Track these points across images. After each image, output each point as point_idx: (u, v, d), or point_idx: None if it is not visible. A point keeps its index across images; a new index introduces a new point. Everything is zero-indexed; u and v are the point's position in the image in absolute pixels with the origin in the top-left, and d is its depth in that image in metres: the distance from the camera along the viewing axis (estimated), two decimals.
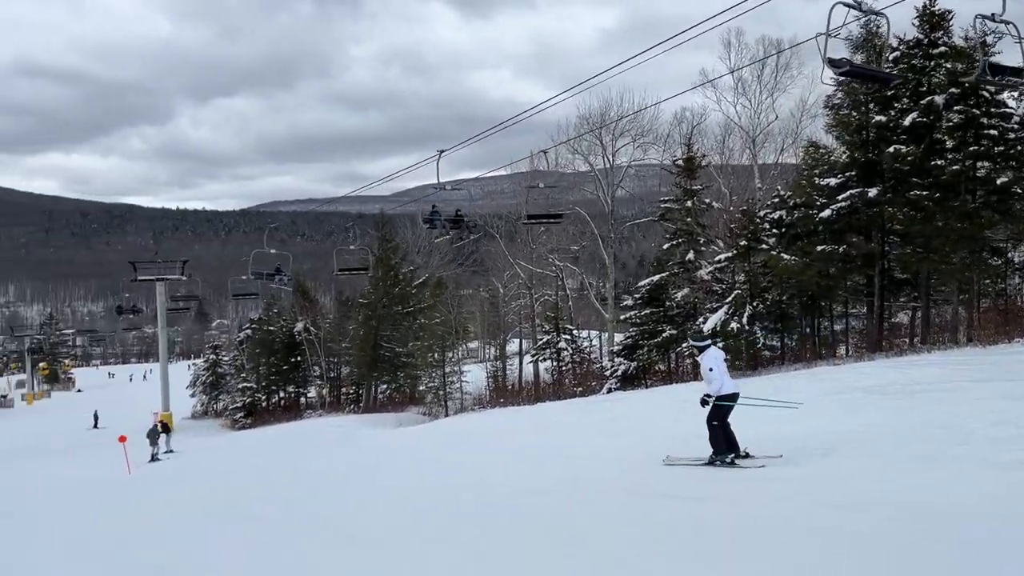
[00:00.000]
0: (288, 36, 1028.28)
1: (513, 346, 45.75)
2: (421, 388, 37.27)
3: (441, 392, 33.63)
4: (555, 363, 32.14)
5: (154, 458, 25.94)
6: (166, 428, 29.78)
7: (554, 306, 35.51)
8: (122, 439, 18.71)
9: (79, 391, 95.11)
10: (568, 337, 32.27)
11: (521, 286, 37.57)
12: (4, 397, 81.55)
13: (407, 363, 37.21)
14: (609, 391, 25.80)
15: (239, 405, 42.88)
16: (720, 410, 9.42)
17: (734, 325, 22.13)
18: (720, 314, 22.47)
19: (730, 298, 22.80)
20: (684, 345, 19.17)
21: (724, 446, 9.37)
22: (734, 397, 9.48)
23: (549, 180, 35.06)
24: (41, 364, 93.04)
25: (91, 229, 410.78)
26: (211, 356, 51.89)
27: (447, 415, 31.45)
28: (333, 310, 49.15)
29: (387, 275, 36.37)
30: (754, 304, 22.77)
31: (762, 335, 23.06)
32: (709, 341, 10.26)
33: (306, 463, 16.92)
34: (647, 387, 25.09)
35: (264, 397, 44.54)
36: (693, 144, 29.00)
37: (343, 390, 42.81)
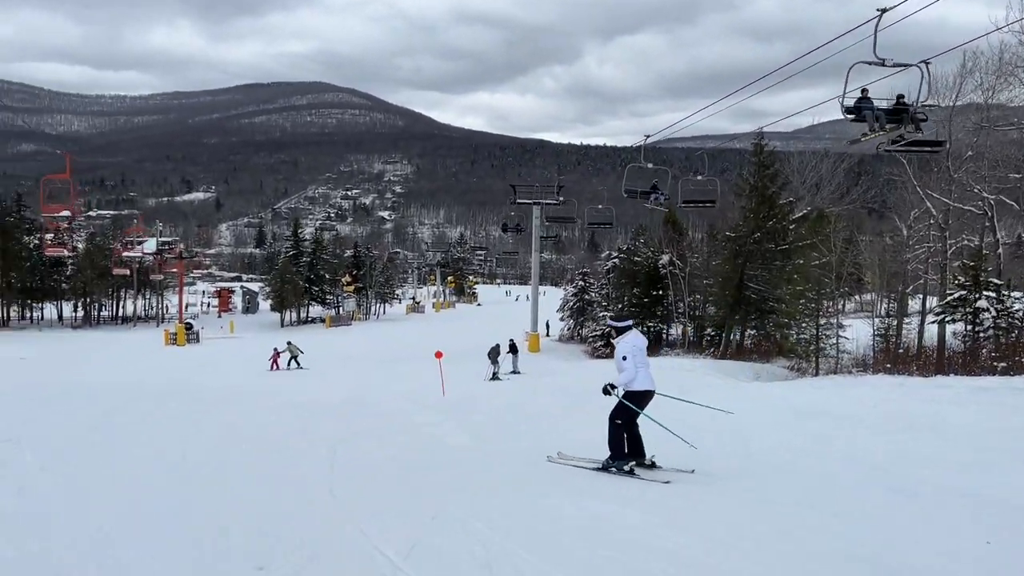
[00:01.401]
0: None
1: (915, 303, 37.89)
2: (791, 339, 32.38)
3: (812, 347, 28.49)
4: (969, 327, 24.87)
5: (495, 377, 25.68)
6: (514, 348, 29.57)
7: (976, 254, 27.56)
8: (438, 355, 17.83)
9: (479, 305, 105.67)
10: (992, 295, 24.68)
11: (932, 227, 29.95)
12: (418, 303, 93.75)
13: (775, 308, 32.47)
14: None
15: (599, 333, 42.23)
16: (627, 408, 8.12)
17: None
18: None
19: None
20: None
21: (624, 451, 8.11)
22: (648, 395, 8.19)
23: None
24: (449, 277, 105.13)
25: (507, 161, 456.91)
26: (579, 282, 52.15)
27: (816, 374, 26.42)
28: (703, 244, 45.69)
29: (760, 206, 31.67)
30: None
31: None
32: (630, 323, 8.64)
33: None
34: None
35: None
36: None
37: (706, 331, 39.54)
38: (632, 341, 8.25)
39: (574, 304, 51.50)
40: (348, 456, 9.48)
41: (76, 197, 35.36)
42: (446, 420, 12.60)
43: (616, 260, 48.43)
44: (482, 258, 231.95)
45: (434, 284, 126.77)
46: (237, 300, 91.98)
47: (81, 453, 9.58)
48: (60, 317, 74.46)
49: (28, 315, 73.20)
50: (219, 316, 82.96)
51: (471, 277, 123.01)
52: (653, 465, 8.12)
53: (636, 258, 44.08)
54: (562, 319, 53.47)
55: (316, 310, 79.07)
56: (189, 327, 53.69)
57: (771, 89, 14.79)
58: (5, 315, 70.94)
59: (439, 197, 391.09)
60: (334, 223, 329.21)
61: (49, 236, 55.40)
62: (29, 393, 16.98)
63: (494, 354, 26.14)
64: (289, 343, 32.40)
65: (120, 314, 78.50)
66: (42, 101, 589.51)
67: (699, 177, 26.96)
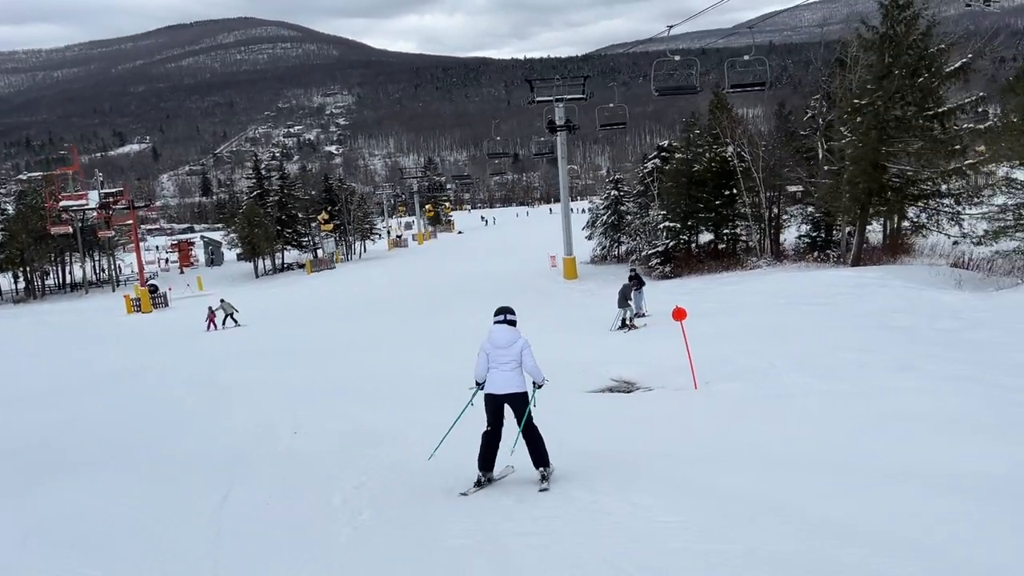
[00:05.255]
0: None
1: None
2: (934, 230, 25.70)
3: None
4: None
5: (625, 325, 18.35)
6: (640, 281, 20.83)
7: None
8: (679, 315, 10.45)
9: (460, 232, 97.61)
10: None
11: None
12: (399, 237, 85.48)
13: (917, 192, 25.61)
14: None
15: (657, 250, 35.04)
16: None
17: None
18: None
19: None
20: None
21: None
22: (488, 399, 6.88)
23: None
24: (426, 207, 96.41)
25: (451, 83, 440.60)
26: (611, 192, 44.50)
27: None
28: (770, 131, 38.53)
29: (898, 59, 24.29)
30: None
31: None
32: (503, 317, 7.09)
33: None
34: None
35: (685, 239, 36.29)
36: None
37: (803, 234, 33.15)
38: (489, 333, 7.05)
39: (607, 218, 44.08)
40: None
41: None
42: None
43: (657, 161, 40.98)
44: (439, 185, 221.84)
45: (403, 215, 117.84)
46: (199, 253, 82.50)
47: None
48: None
49: None
50: (181, 272, 73.88)
51: (446, 204, 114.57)
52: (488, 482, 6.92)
53: (688, 155, 36.86)
54: (589, 238, 46.11)
55: (292, 255, 70.45)
56: (154, 289, 45.16)
57: None
58: None
59: (386, 126, 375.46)
60: (280, 162, 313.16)
61: None
62: None
63: (624, 295, 18.56)
64: (223, 301, 31.30)
65: (68, 281, 68.94)
66: None
67: (746, 58, 24.91)
